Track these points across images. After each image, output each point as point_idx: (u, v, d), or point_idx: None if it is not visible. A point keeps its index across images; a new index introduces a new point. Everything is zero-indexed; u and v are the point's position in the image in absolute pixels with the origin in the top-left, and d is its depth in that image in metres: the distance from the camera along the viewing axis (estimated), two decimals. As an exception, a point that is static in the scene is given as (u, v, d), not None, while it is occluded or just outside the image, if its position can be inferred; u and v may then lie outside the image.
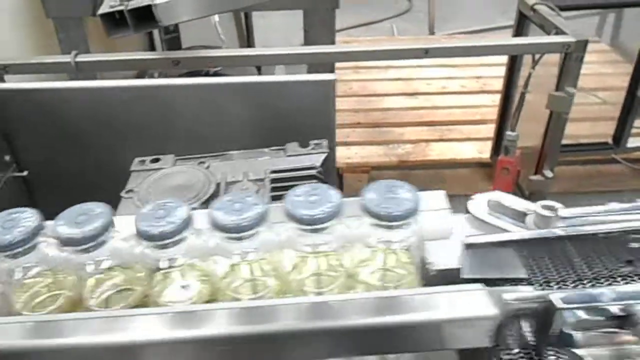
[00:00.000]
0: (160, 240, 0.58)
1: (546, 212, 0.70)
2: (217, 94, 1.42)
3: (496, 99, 2.59)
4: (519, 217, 0.76)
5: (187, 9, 1.61)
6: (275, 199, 0.92)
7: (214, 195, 0.96)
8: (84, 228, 0.58)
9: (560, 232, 0.65)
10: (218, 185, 0.99)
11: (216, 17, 2.74)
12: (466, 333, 0.55)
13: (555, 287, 0.67)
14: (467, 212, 0.79)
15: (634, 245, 0.64)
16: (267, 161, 1.07)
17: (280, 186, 0.96)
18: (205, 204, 0.94)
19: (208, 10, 1.70)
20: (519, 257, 0.67)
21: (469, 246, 0.65)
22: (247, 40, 3.23)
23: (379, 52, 1.96)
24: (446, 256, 0.72)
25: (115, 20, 1.61)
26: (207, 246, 0.61)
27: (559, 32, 1.99)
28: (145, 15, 1.56)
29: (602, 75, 3.17)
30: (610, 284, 0.67)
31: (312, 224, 0.58)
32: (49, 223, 0.60)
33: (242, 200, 0.60)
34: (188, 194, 0.95)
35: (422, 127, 2.92)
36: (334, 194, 0.60)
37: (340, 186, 2.62)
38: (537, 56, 2.05)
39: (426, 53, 1.90)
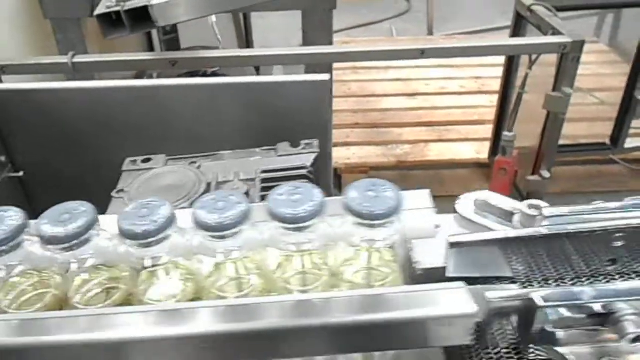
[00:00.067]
0: (143, 238, 0.58)
1: (531, 212, 0.70)
2: (213, 94, 1.42)
3: (494, 99, 2.60)
4: (507, 216, 0.77)
5: (184, 9, 1.61)
6: (265, 198, 0.92)
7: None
8: (67, 226, 0.58)
9: (543, 230, 0.65)
10: (209, 185, 1.00)
11: (213, 18, 2.75)
12: (447, 331, 0.56)
13: (538, 285, 0.68)
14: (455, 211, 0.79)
15: (617, 244, 0.65)
16: (258, 161, 1.07)
17: (270, 186, 0.96)
18: (196, 203, 0.94)
19: (204, 11, 1.70)
20: (504, 256, 0.68)
21: (453, 245, 0.66)
22: (246, 40, 3.23)
23: (376, 52, 1.97)
24: (432, 255, 0.72)
25: (111, 21, 1.61)
26: (191, 245, 0.62)
27: (556, 32, 1.99)
28: (141, 16, 1.57)
29: (600, 75, 3.18)
30: (592, 283, 0.67)
31: (295, 223, 0.59)
32: (33, 222, 0.61)
33: (225, 199, 0.60)
34: (179, 193, 0.96)
35: (420, 128, 2.93)
36: (316, 193, 0.60)
37: (338, 186, 2.62)
38: (533, 57, 2.06)
39: (422, 54, 1.91)
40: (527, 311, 0.58)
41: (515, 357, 0.63)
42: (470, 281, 0.65)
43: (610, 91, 2.90)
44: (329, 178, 1.62)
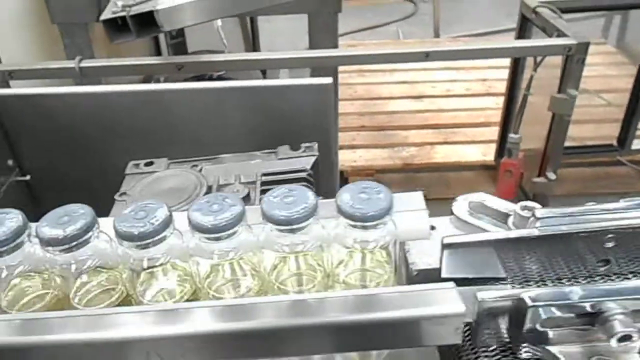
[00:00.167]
0: (140, 240, 0.59)
1: (524, 213, 0.71)
2: (217, 98, 1.43)
3: (500, 101, 2.60)
4: (502, 218, 0.77)
5: (189, 14, 1.63)
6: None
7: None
8: (66, 228, 0.60)
9: (536, 232, 0.66)
10: (210, 188, 1.01)
11: (219, 22, 2.77)
12: (437, 330, 0.57)
13: (534, 286, 0.68)
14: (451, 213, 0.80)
15: (609, 245, 0.65)
16: (259, 164, 1.09)
17: (271, 188, 0.97)
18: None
19: (209, 15, 1.72)
20: (498, 256, 0.68)
21: (446, 246, 0.66)
22: (253, 44, 3.25)
23: (380, 55, 1.98)
24: (428, 256, 0.73)
25: (117, 26, 1.63)
26: (188, 246, 0.63)
27: (561, 34, 1.99)
28: (147, 21, 1.59)
29: (607, 77, 3.17)
30: (588, 283, 0.68)
31: (288, 225, 0.60)
32: (34, 224, 0.62)
33: (220, 202, 0.61)
34: (180, 196, 0.97)
35: (426, 130, 2.93)
36: (309, 195, 0.62)
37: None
38: (538, 59, 2.06)
39: (427, 56, 1.91)
40: (518, 311, 0.59)
41: (509, 356, 0.63)
42: (465, 282, 0.66)
43: (617, 92, 2.89)
44: (335, 181, 1.63)
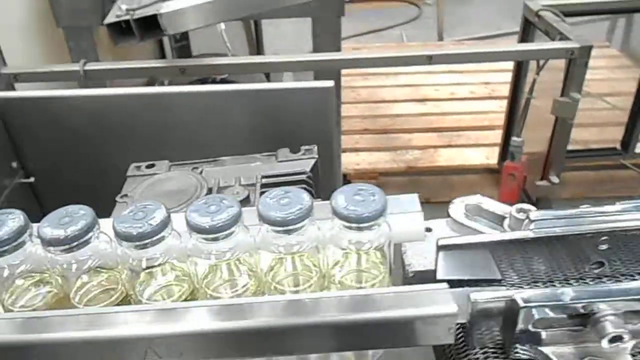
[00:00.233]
0: (139, 240, 0.60)
1: (519, 215, 0.72)
2: (219, 101, 1.44)
3: (504, 104, 2.60)
4: (498, 220, 0.78)
5: (193, 17, 1.64)
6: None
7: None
8: (67, 229, 0.61)
9: (530, 234, 0.66)
10: (210, 190, 1.02)
11: (222, 26, 2.78)
12: (430, 330, 0.57)
13: (527, 287, 0.69)
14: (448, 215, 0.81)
15: (603, 247, 0.66)
16: (259, 166, 1.10)
17: (270, 191, 0.99)
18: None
19: (212, 19, 1.73)
20: (493, 258, 0.69)
21: (441, 248, 0.67)
22: (257, 47, 3.27)
23: (383, 59, 1.99)
24: (424, 258, 0.74)
25: (121, 30, 1.65)
26: (186, 247, 0.64)
27: (564, 38, 2.00)
28: (151, 24, 1.60)
29: (611, 80, 3.17)
30: (580, 285, 0.68)
31: (284, 225, 0.61)
32: (35, 225, 0.64)
33: (217, 203, 0.62)
34: (180, 198, 0.98)
35: (430, 133, 2.94)
36: (305, 197, 0.62)
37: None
38: (541, 62, 2.06)
39: (430, 60, 1.92)
40: (511, 312, 0.60)
41: (501, 356, 0.64)
42: (460, 283, 0.67)
43: (621, 96, 2.88)
44: (338, 183, 1.64)
